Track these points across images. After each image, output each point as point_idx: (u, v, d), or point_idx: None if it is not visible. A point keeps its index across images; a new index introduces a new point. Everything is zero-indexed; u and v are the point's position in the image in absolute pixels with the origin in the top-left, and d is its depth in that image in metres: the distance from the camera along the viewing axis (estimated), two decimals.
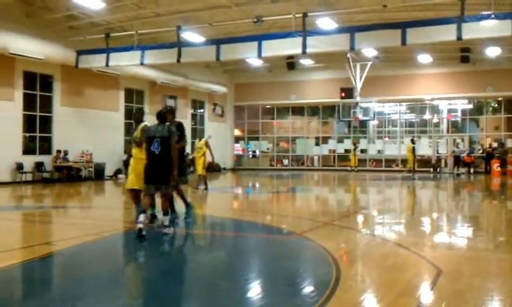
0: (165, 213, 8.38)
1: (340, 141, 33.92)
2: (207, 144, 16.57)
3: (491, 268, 6.49)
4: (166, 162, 8.14)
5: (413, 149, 26.18)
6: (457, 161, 28.01)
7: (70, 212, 13.16)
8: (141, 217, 7.95)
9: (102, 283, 5.76)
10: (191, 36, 20.02)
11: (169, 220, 8.45)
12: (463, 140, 30.91)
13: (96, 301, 5.01)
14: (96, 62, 20.77)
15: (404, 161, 31.24)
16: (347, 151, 33.21)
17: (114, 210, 13.44)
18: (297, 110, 35.17)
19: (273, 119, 36.08)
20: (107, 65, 20.20)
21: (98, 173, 22.98)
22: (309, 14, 16.95)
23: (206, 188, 16.20)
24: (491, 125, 32.38)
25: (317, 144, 34.39)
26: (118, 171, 24.37)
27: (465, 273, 6.11)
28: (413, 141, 26.87)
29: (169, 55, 19.17)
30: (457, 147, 29.39)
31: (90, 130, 22.88)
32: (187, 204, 10.00)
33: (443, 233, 9.76)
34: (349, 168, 30.72)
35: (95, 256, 7.29)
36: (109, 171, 23.78)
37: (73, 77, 21.75)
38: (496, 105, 31.94)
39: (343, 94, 27.23)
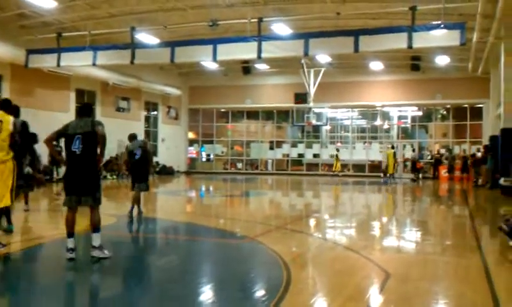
0: (96, 230, 6.76)
1: (294, 145, 34.23)
2: None
3: (438, 272, 6.67)
4: (90, 165, 6.70)
5: (394, 155, 27.40)
6: (414, 166, 28.69)
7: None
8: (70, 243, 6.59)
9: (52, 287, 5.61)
10: (145, 37, 19.80)
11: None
12: (412, 146, 31.68)
13: None
14: (47, 62, 20.23)
15: (356, 166, 31.88)
16: (300, 155, 33.55)
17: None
18: (252, 115, 35.29)
19: (228, 122, 36.06)
20: (58, 65, 19.71)
21: (45, 175, 22.34)
22: (264, 19, 17.04)
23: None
24: (439, 132, 33.35)
25: (271, 148, 34.57)
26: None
27: (413, 276, 6.26)
28: (392, 147, 27.69)
29: (122, 56, 18.88)
30: (413, 152, 30.13)
31: (39, 131, 22.17)
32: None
33: (392, 237, 9.96)
34: (331, 173, 30.82)
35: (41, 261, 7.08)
36: (60, 174, 23.16)
37: (24, 76, 21.11)
38: (444, 112, 32.91)
39: (297, 100, 27.58)
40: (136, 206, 10.85)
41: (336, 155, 30.99)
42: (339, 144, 35.01)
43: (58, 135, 6.84)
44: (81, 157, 6.60)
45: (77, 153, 6.60)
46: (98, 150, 6.70)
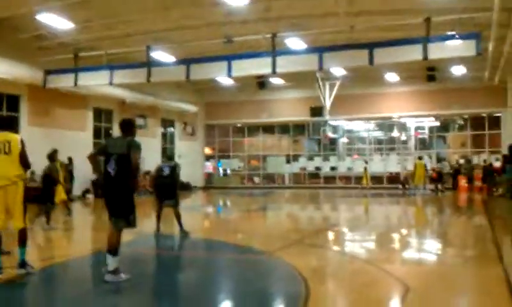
0: (111, 252, 6.58)
1: (311, 158, 34.15)
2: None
3: (458, 284, 6.60)
4: (123, 188, 6.61)
5: (425, 166, 26.96)
6: (440, 178, 28.27)
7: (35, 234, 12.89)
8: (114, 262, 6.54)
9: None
10: (161, 55, 20.01)
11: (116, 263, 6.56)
12: (430, 157, 31.38)
13: None
14: (64, 82, 20.53)
15: (374, 178, 31.59)
16: (317, 168, 33.44)
17: (83, 231, 13.23)
18: (268, 129, 35.33)
19: (244, 137, 36.13)
20: (75, 85, 19.99)
21: (66, 193, 22.56)
22: (278, 34, 17.13)
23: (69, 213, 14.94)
24: (457, 142, 33.03)
25: (287, 162, 34.52)
26: (86, 191, 24.03)
27: (433, 289, 6.20)
28: (420, 158, 27.41)
29: (138, 74, 19.12)
30: (440, 163, 29.64)
31: (58, 151, 22.51)
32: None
33: (412, 249, 9.88)
34: (360, 187, 29.96)
35: (62, 278, 7.14)
36: (77, 191, 23.39)
37: (41, 96, 21.41)
38: (462, 122, 32.63)
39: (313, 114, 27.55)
40: (177, 224, 11.03)
41: (365, 168, 30.21)
42: (356, 156, 34.83)
43: (99, 151, 6.87)
44: (115, 179, 6.55)
45: (112, 175, 6.57)
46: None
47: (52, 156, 12.37)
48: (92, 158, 6.88)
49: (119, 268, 6.52)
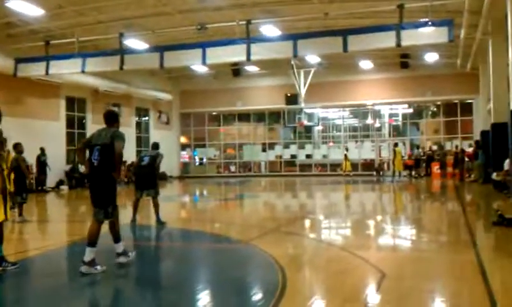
0: (117, 240, 6.88)
1: (286, 146, 34.22)
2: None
3: (433, 270, 6.67)
4: (105, 178, 6.60)
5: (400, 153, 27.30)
6: (418, 164, 28.60)
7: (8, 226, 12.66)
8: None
9: (50, 297, 5.56)
10: (134, 43, 19.74)
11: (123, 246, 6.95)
12: (404, 144, 31.70)
13: None
14: (35, 70, 20.12)
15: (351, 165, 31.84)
16: (293, 156, 33.54)
17: (57, 223, 13.05)
18: (244, 117, 35.28)
19: (219, 126, 36.01)
20: (47, 73, 19.63)
21: (38, 184, 22.23)
22: (252, 21, 17.04)
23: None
24: (431, 129, 33.46)
25: (263, 150, 34.56)
26: (59, 182, 23.69)
27: (408, 275, 6.26)
28: (396, 144, 27.72)
29: (111, 62, 18.83)
30: (417, 149, 29.86)
31: (30, 141, 22.00)
32: None
33: (387, 236, 9.97)
34: (342, 173, 30.26)
35: (38, 271, 7.02)
36: (50, 182, 23.04)
37: (12, 85, 20.94)
38: (435, 109, 33.03)
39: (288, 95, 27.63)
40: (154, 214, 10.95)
41: (345, 155, 30.36)
42: (331, 143, 35.02)
43: (85, 144, 6.85)
44: (97, 168, 6.57)
45: (95, 165, 6.59)
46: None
47: (18, 147, 11.99)
48: (79, 151, 6.92)
49: (95, 259, 6.44)
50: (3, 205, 6.46)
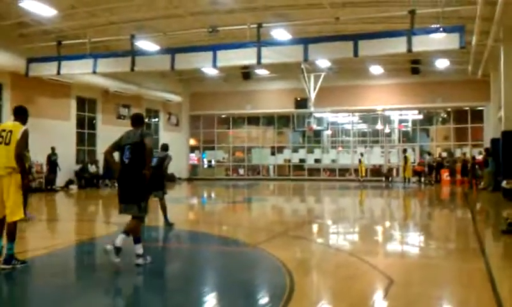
0: (136, 241, 6.99)
1: (295, 150, 34.17)
2: None
3: (441, 277, 6.64)
4: (136, 175, 6.84)
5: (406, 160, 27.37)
6: (431, 170, 28.38)
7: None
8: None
9: (56, 298, 5.59)
10: (145, 44, 19.84)
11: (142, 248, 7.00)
12: (414, 150, 31.56)
13: None
14: (47, 70, 20.26)
15: (357, 170, 31.77)
16: (301, 160, 33.48)
17: (66, 222, 13.11)
18: (253, 120, 35.27)
19: (229, 128, 36.02)
20: (58, 73, 19.75)
21: (48, 183, 22.37)
22: (264, 25, 17.06)
23: None
24: (440, 135, 33.29)
25: (272, 153, 34.54)
26: (69, 182, 23.81)
27: (416, 282, 6.24)
28: (405, 150, 27.78)
29: (122, 63, 18.92)
30: (429, 155, 29.64)
31: (40, 140, 22.15)
32: None
33: (395, 242, 9.94)
34: (357, 179, 29.78)
35: (45, 270, 7.06)
36: (60, 182, 23.17)
37: (24, 85, 21.10)
38: (445, 115, 32.89)
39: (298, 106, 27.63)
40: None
41: (360, 160, 29.95)
42: (340, 148, 34.95)
43: (114, 146, 7.16)
44: (129, 166, 6.88)
45: (126, 163, 6.91)
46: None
47: None
48: (108, 153, 7.17)
49: (145, 252, 6.96)
50: (23, 204, 6.67)
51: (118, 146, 7.10)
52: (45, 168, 22.29)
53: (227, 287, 6.19)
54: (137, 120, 7.30)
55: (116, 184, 7.18)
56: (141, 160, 6.83)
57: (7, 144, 6.58)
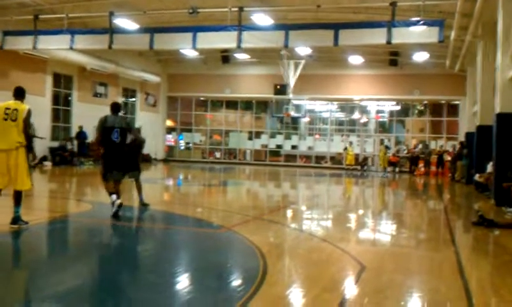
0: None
1: (273, 136, 34.22)
2: None
3: (412, 265, 6.76)
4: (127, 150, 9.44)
5: (386, 149, 28.19)
6: (415, 161, 28.54)
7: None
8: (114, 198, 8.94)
9: (22, 274, 5.53)
10: (124, 22, 19.56)
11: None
12: (389, 140, 31.88)
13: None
14: (23, 44, 19.89)
15: (333, 159, 32.04)
16: (278, 146, 33.55)
17: (39, 198, 12.94)
18: (231, 104, 35.16)
19: (207, 111, 35.90)
20: (34, 48, 19.41)
21: (33, 158, 22.01)
22: (245, 9, 16.97)
23: None
24: (416, 127, 33.69)
25: (249, 138, 34.54)
26: (43, 158, 23.48)
27: (388, 269, 6.33)
28: (382, 142, 28.32)
29: (100, 41, 18.66)
30: (416, 147, 29.61)
31: None
32: None
33: (368, 230, 10.06)
34: (347, 167, 29.57)
35: (13, 247, 6.99)
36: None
37: None
38: (422, 108, 33.25)
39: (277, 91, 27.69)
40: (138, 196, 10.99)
41: (346, 148, 29.97)
42: (317, 136, 35.12)
43: (100, 130, 9.07)
44: (120, 145, 9.11)
45: (117, 142, 9.04)
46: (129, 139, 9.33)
47: None
48: (99, 132, 9.13)
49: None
50: (30, 175, 7.75)
51: (103, 128, 8.99)
52: None
53: (200, 268, 6.20)
54: (116, 108, 9.37)
55: (106, 158, 9.15)
56: (125, 139, 9.14)
57: (14, 120, 7.44)
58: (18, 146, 7.41)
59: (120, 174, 9.36)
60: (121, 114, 9.87)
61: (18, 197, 7.58)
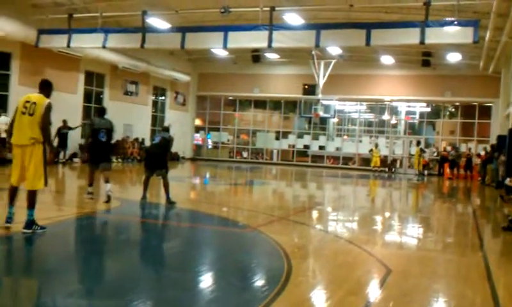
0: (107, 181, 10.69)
1: (300, 136, 34.11)
2: None
3: (439, 270, 6.67)
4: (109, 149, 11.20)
5: (421, 152, 27.52)
6: (454, 165, 27.75)
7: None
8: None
9: (51, 270, 5.64)
10: (156, 21, 19.75)
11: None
12: (419, 142, 31.41)
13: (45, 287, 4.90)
14: (57, 42, 20.27)
15: (362, 160, 31.72)
16: (306, 147, 33.40)
17: (68, 195, 13.19)
18: (260, 104, 35.18)
19: (235, 111, 36.00)
20: (68, 46, 19.76)
21: (54, 156, 22.40)
22: (276, 8, 16.96)
23: None
24: (447, 129, 33.15)
25: (277, 138, 34.49)
26: (73, 155, 23.89)
27: (414, 273, 6.25)
28: (418, 143, 27.99)
29: (132, 39, 18.89)
30: (453, 150, 28.87)
31: None
32: None
33: (394, 233, 9.96)
34: (374, 169, 28.73)
35: (44, 242, 7.12)
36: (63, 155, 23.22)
37: (33, 56, 21.12)
38: (453, 109, 32.73)
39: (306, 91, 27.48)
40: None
41: (372, 150, 29.29)
42: (346, 137, 34.87)
43: (91, 131, 10.66)
44: (105, 143, 10.58)
45: (103, 141, 10.50)
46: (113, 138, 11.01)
47: None
48: (91, 132, 10.68)
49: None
50: (44, 174, 6.94)
51: (92, 129, 10.61)
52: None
53: (224, 267, 6.23)
54: (102, 112, 11.03)
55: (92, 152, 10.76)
56: (111, 139, 10.79)
57: (31, 115, 6.83)
58: (34, 142, 6.80)
59: (95, 166, 10.67)
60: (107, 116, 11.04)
61: (30, 198, 6.91)
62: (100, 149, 10.52)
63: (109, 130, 10.53)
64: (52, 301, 4.59)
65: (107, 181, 10.63)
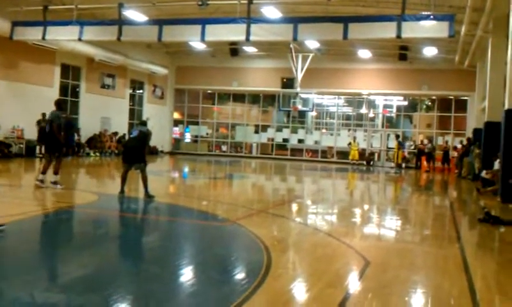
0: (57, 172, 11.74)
1: (279, 130, 34.16)
2: None
3: (417, 261, 6.73)
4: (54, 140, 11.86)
5: (399, 145, 27.39)
6: (430, 157, 27.97)
7: None
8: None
9: (29, 264, 5.56)
10: (133, 14, 19.54)
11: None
12: (398, 135, 31.64)
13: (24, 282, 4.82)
14: (32, 34, 19.94)
15: (339, 153, 31.89)
16: (285, 140, 33.46)
17: (46, 189, 12.98)
18: (238, 97, 35.12)
19: (214, 104, 35.89)
20: (43, 38, 19.43)
21: (29, 150, 22.09)
22: (254, 1, 16.91)
23: None
24: (424, 122, 33.53)
25: (256, 131, 34.49)
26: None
27: (392, 265, 6.31)
28: (397, 137, 27.97)
29: (109, 32, 18.66)
30: (430, 143, 28.94)
31: (22, 105, 21.92)
32: None
33: (373, 225, 10.04)
34: (352, 162, 29.19)
35: (19, 236, 7.01)
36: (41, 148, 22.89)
37: (7, 48, 20.73)
38: (430, 103, 33.08)
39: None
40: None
41: (350, 143, 29.66)
42: (324, 130, 35.03)
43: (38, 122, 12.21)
44: (49, 133, 11.66)
45: (47, 131, 11.75)
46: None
47: None
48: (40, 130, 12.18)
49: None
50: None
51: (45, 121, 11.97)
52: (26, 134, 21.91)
53: (204, 261, 6.21)
54: (60, 105, 12.30)
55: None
56: (59, 130, 11.71)
57: None
58: None
59: (47, 155, 11.95)
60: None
61: None
62: (47, 138, 11.86)
63: (51, 122, 11.77)
64: (29, 296, 4.52)
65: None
